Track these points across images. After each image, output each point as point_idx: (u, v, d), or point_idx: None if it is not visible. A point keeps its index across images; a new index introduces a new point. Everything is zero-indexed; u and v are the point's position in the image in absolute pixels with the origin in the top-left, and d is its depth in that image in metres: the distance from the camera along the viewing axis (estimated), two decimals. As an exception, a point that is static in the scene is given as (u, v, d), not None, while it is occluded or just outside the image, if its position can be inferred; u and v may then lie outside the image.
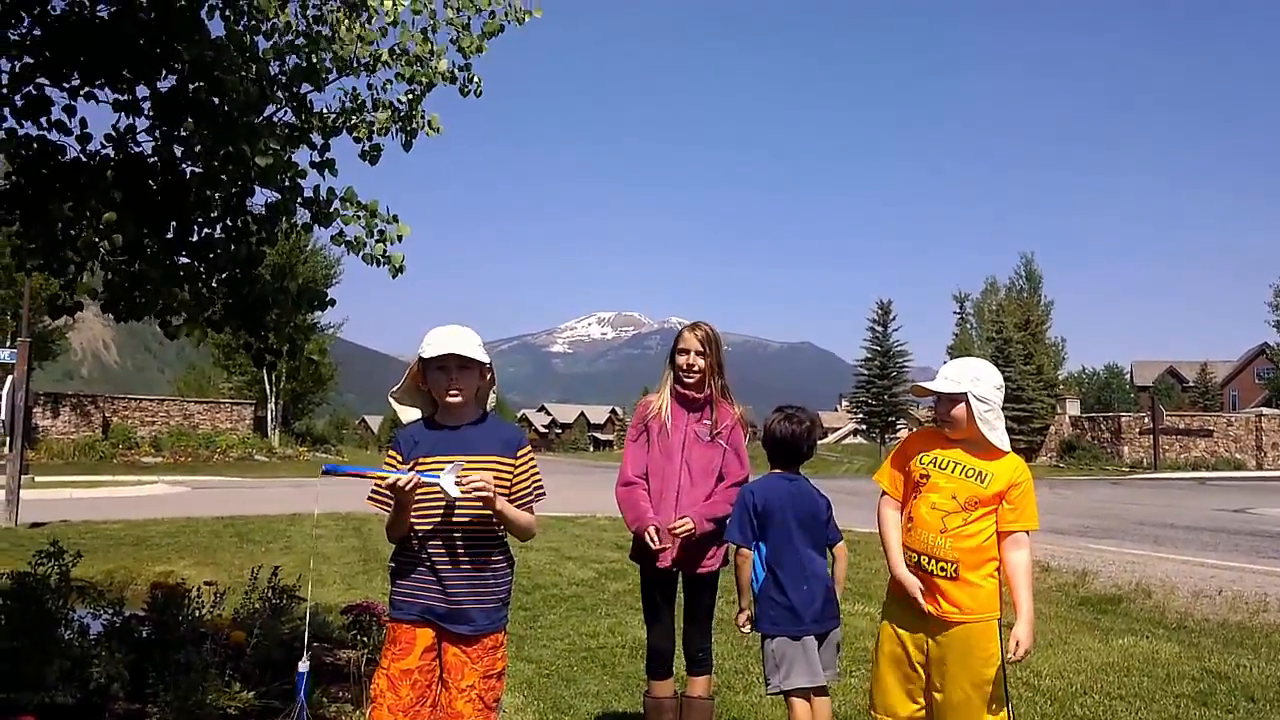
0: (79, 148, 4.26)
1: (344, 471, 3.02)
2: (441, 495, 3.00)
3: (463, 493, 2.93)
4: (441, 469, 2.97)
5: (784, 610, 3.77)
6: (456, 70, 4.89)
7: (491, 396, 3.32)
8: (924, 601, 3.30)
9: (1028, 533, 3.32)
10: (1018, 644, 3.17)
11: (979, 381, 3.31)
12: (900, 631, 3.40)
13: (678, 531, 3.82)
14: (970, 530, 3.27)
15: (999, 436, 3.33)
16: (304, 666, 3.31)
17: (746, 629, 3.96)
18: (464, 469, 2.96)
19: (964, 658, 3.25)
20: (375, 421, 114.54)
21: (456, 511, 3.05)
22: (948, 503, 3.29)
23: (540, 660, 6.08)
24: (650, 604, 4.11)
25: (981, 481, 3.28)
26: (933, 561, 3.28)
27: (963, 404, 3.30)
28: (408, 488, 2.92)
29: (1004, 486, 3.28)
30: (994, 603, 3.30)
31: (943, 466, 3.35)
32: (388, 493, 3.01)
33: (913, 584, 3.32)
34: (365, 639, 5.23)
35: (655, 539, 3.82)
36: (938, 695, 3.29)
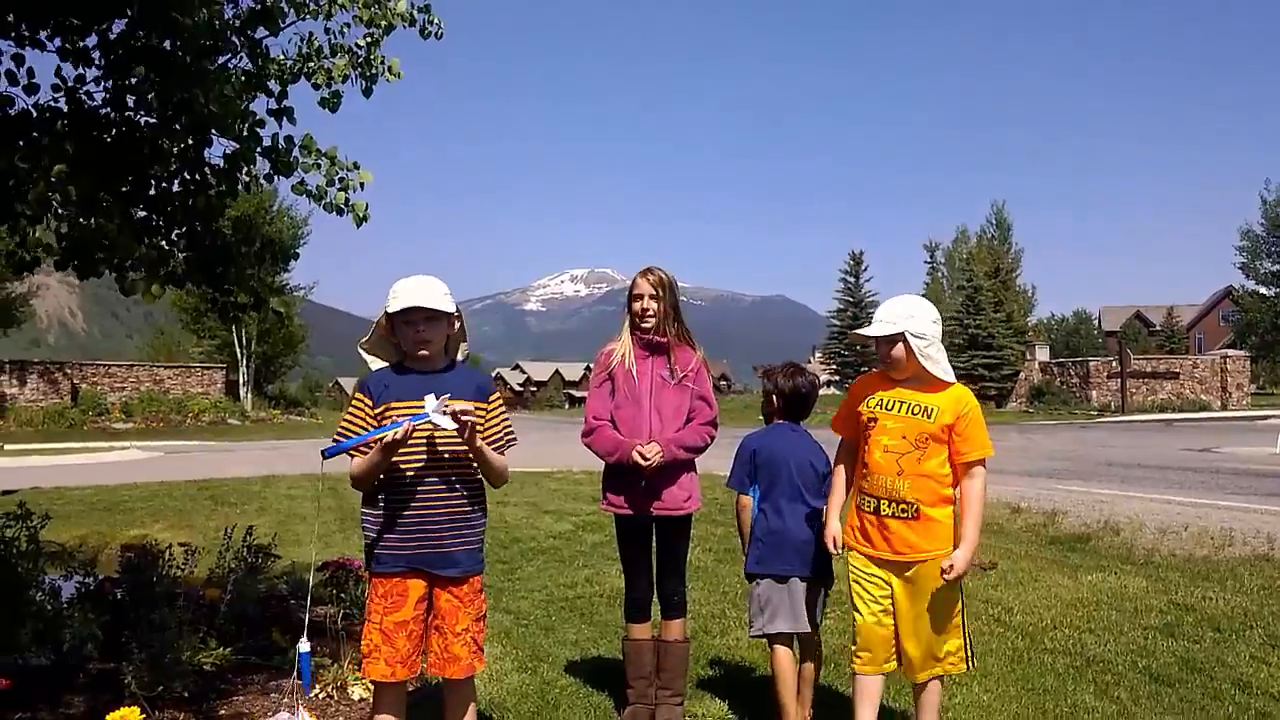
0: (28, 99, 4.13)
1: (344, 449, 2.99)
2: (424, 436, 3.00)
3: (450, 417, 2.91)
4: (422, 408, 2.95)
5: (770, 547, 3.82)
6: (416, 11, 4.77)
7: (463, 347, 3.29)
8: (833, 547, 3.53)
9: (984, 461, 3.36)
10: (951, 566, 3.24)
11: (914, 318, 3.33)
12: (869, 573, 3.45)
13: (649, 454, 3.83)
14: (926, 469, 3.31)
15: (942, 369, 3.35)
16: (304, 646, 3.22)
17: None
18: (446, 398, 2.95)
19: (924, 594, 3.34)
20: (349, 383, 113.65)
21: (440, 448, 3.05)
22: (899, 443, 3.33)
23: (518, 611, 6.10)
24: (626, 549, 4.12)
25: (929, 417, 3.32)
26: (892, 504, 3.34)
27: (901, 344, 3.33)
28: (403, 438, 2.92)
29: (951, 419, 3.31)
30: (950, 539, 3.36)
31: (889, 407, 3.39)
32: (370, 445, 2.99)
33: (833, 534, 3.53)
34: (342, 595, 5.23)
35: (644, 454, 3.82)
36: (903, 628, 3.39)
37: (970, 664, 3.48)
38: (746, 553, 3.98)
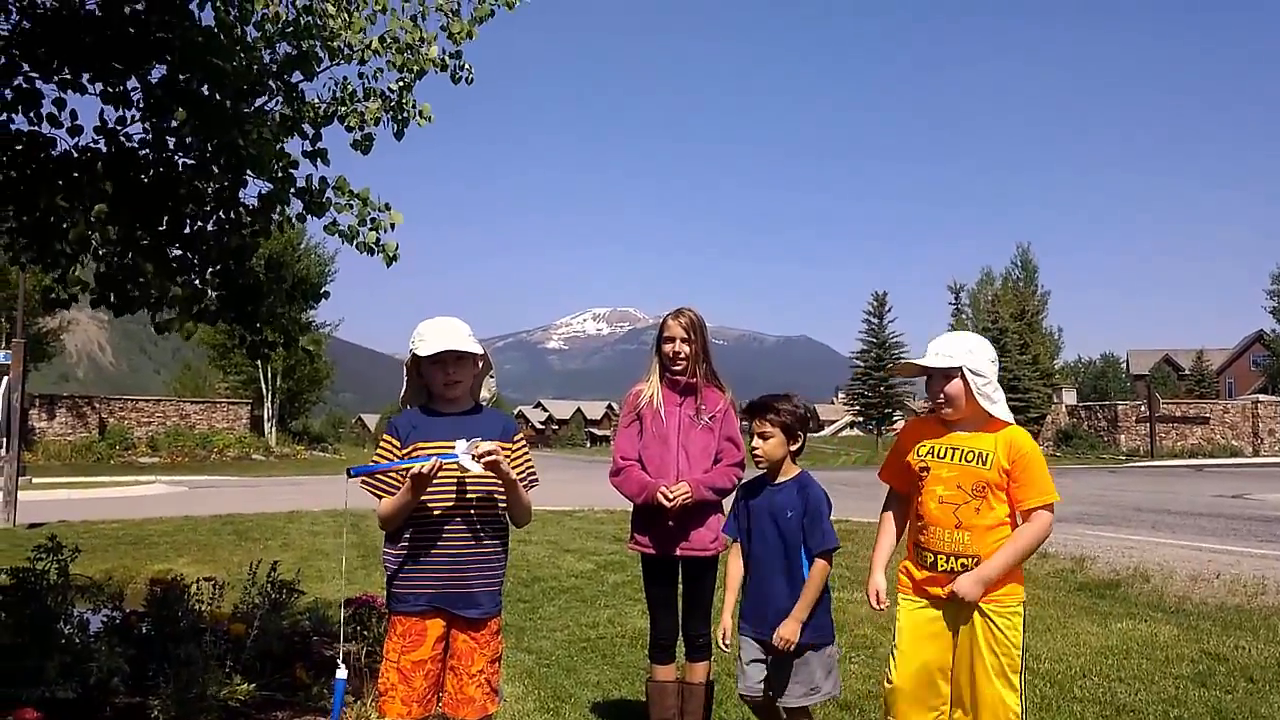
0: (70, 141, 4.25)
1: (370, 471, 3.04)
2: (453, 476, 3.03)
3: (477, 460, 2.95)
4: (452, 448, 2.98)
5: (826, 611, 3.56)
6: (448, 58, 4.88)
7: (492, 383, 3.34)
8: (876, 603, 3.30)
9: (1050, 507, 3.07)
10: (956, 585, 3.03)
11: (973, 354, 3.10)
12: (924, 626, 3.16)
13: (675, 494, 3.83)
14: (987, 520, 3.05)
15: (1000, 409, 3.11)
16: (342, 674, 3.25)
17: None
18: (476, 442, 2.99)
19: (988, 646, 3.06)
20: (372, 420, 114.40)
21: (469, 489, 3.08)
22: (955, 494, 3.07)
23: (540, 651, 6.07)
24: (652, 589, 4.11)
25: (984, 463, 3.06)
26: (953, 559, 3.07)
27: (959, 379, 3.09)
28: (430, 473, 2.94)
29: (1007, 463, 3.04)
30: (1016, 590, 3.11)
31: (941, 455, 3.14)
32: (395, 480, 3.02)
33: (877, 588, 3.32)
34: (365, 632, 5.24)
35: (669, 495, 3.82)
36: (963, 682, 3.11)
37: None
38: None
